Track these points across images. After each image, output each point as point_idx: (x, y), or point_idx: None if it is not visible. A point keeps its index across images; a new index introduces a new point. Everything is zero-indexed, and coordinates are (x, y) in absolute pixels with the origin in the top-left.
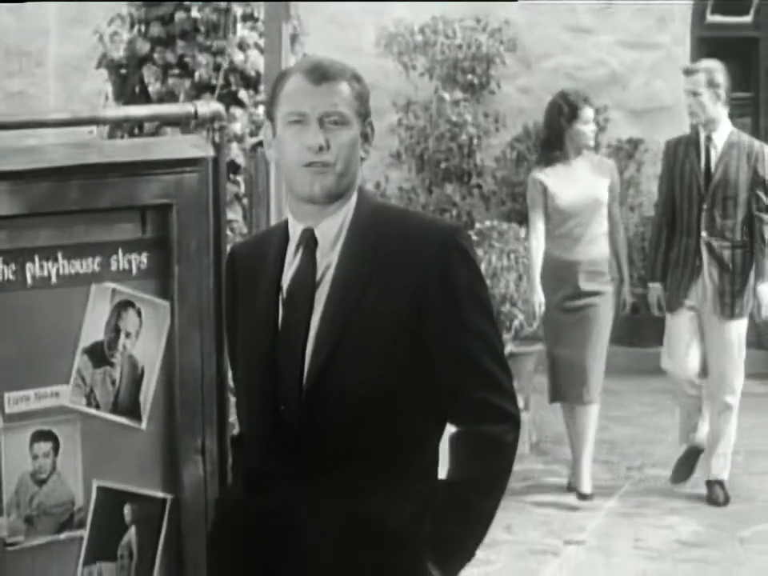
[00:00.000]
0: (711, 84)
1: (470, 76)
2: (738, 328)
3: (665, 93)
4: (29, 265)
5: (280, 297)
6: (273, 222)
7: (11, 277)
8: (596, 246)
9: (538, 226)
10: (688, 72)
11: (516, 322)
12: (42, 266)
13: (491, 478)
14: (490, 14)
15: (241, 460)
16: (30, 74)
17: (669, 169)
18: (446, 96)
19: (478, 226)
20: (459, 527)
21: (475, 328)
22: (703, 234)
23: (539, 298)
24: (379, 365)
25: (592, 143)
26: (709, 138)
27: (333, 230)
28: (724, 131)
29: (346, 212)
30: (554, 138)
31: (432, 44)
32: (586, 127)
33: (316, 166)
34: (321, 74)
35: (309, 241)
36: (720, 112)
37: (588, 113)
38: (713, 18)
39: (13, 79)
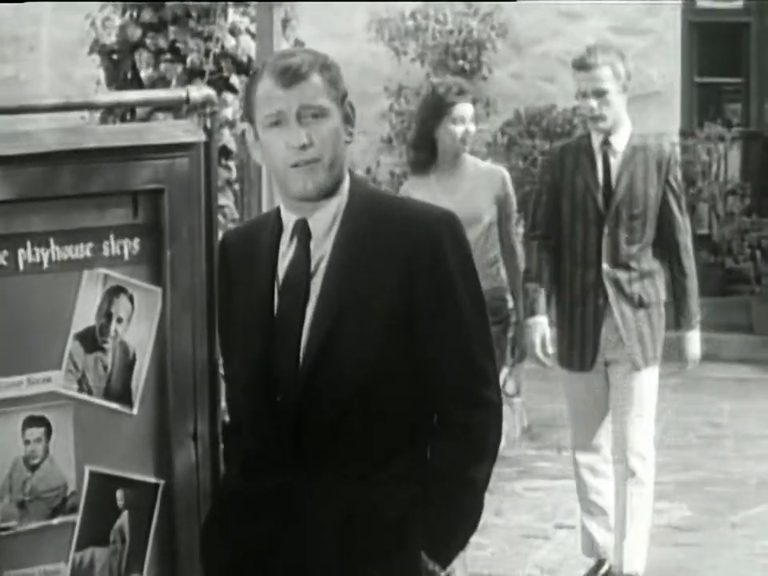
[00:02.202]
0: (617, 76)
1: (461, 61)
2: (651, 377)
3: (655, 78)
4: (21, 250)
5: (276, 286)
6: (265, 207)
7: (3, 263)
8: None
9: None
10: (584, 66)
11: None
12: (33, 252)
13: (474, 467)
14: (481, 0)
15: (234, 447)
16: (23, 59)
17: (554, 183)
18: (450, 78)
19: None
20: (449, 519)
21: (467, 316)
22: (605, 265)
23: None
24: (373, 352)
25: (466, 147)
26: (606, 143)
27: (326, 219)
28: (624, 133)
29: (339, 201)
30: (419, 140)
31: (423, 29)
32: (456, 127)
33: (303, 164)
34: (291, 76)
35: (302, 231)
36: (623, 107)
37: (461, 109)
38: (703, 3)
39: (5, 64)
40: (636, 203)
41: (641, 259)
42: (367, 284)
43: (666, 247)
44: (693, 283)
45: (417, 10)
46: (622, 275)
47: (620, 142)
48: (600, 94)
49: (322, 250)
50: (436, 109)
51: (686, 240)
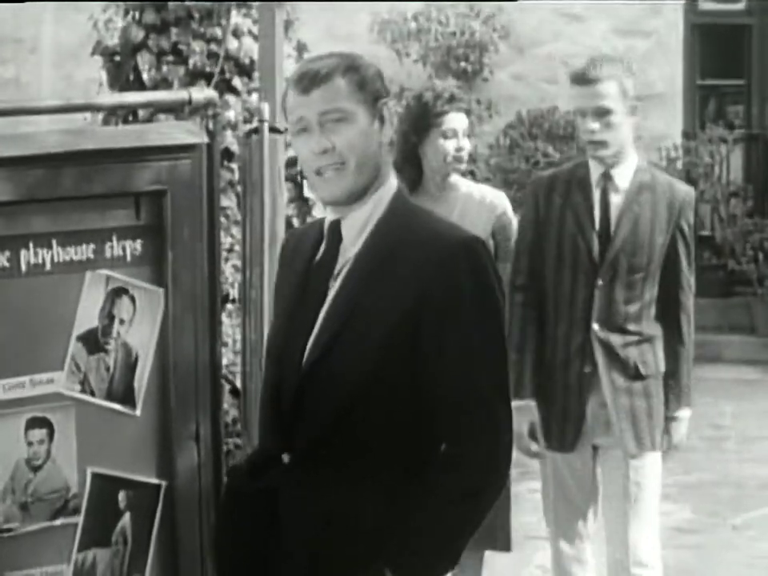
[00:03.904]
0: (624, 94)
1: (463, 63)
2: (654, 466)
3: (657, 80)
4: (23, 252)
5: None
6: (267, 209)
7: (6, 264)
8: None
9: None
10: (584, 79)
11: None
12: (36, 253)
13: (459, 505)
14: (483, 1)
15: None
16: (24, 60)
17: (537, 221)
18: (439, 83)
19: None
20: (421, 548)
21: (476, 352)
22: (595, 325)
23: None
24: (371, 365)
25: (460, 166)
26: (607, 177)
27: (357, 224)
28: (629, 166)
29: (373, 207)
30: (400, 159)
31: (425, 31)
32: (446, 142)
33: (327, 169)
34: (308, 82)
35: (333, 233)
36: (630, 135)
37: (453, 120)
38: (705, 5)
39: (7, 66)
40: (639, 253)
41: (640, 321)
42: (378, 298)
43: (663, 306)
44: (689, 354)
45: (419, 11)
46: (616, 339)
47: (624, 177)
48: (602, 113)
49: (349, 253)
50: (422, 120)
51: (688, 302)
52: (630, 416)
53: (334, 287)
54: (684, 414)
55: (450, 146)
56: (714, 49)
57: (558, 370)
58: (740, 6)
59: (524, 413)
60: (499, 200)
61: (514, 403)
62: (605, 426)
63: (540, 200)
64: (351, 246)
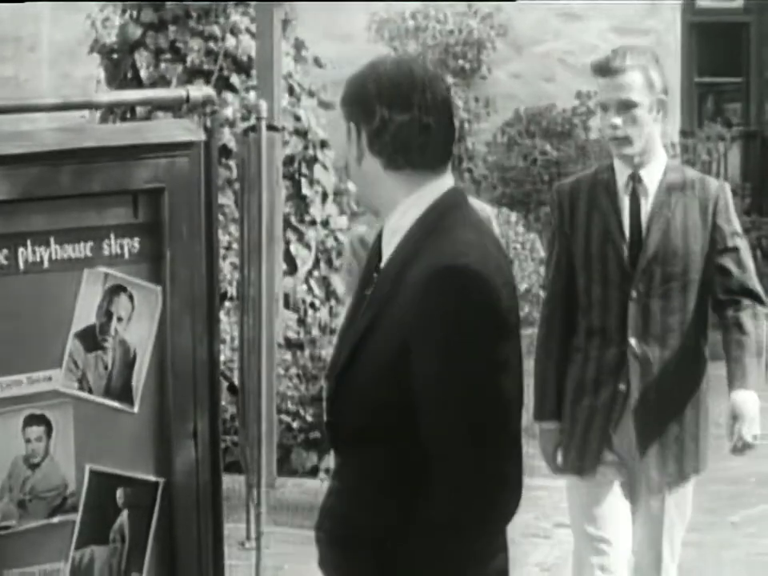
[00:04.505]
0: (650, 85)
1: (461, 61)
2: (687, 493)
3: None
4: (21, 250)
5: None
6: (264, 207)
7: (4, 262)
8: None
9: None
10: (607, 70)
11: None
12: (34, 251)
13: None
14: (481, 0)
15: None
16: (23, 59)
17: (562, 232)
18: None
19: None
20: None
21: (444, 382)
22: (632, 340)
23: None
24: (380, 375)
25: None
26: (635, 179)
27: (389, 231)
28: (658, 166)
29: (401, 215)
30: None
31: (423, 29)
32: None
33: None
34: None
35: (378, 239)
36: (657, 133)
37: None
38: (703, 3)
39: (5, 64)
40: (673, 260)
41: (681, 333)
42: (388, 317)
43: (722, 307)
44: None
45: (417, 10)
46: (655, 354)
47: (653, 178)
48: (626, 107)
49: (382, 264)
50: None
51: (756, 286)
52: (671, 438)
53: (367, 298)
54: (750, 395)
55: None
56: (712, 47)
57: (590, 390)
58: (737, 4)
59: (547, 436)
60: (484, 211)
61: (538, 425)
62: (643, 448)
63: (564, 209)
64: (387, 245)
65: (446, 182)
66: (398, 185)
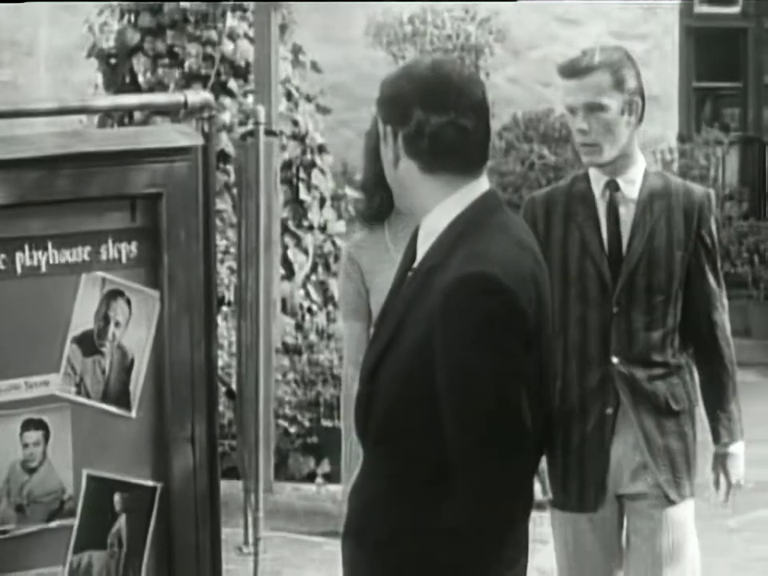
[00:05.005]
0: (620, 86)
1: None
2: (687, 515)
3: (653, 83)
4: (19, 254)
5: None
6: (262, 211)
7: (1, 266)
8: None
9: (353, 347)
10: (574, 71)
11: None
12: (32, 256)
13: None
14: (478, 4)
15: None
16: (21, 63)
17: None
18: None
19: None
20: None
21: (456, 390)
22: (615, 359)
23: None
24: (405, 377)
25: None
26: (612, 186)
27: (422, 234)
28: (636, 173)
29: (437, 218)
30: (367, 180)
31: (421, 34)
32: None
33: None
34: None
35: (413, 240)
36: (633, 137)
37: None
38: (701, 9)
39: (3, 69)
40: (657, 271)
41: (666, 350)
42: (417, 312)
43: (693, 330)
44: (734, 380)
45: (415, 14)
46: (641, 372)
47: (632, 185)
48: (593, 110)
49: (414, 264)
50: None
51: (723, 322)
52: (668, 458)
53: (399, 297)
54: (739, 448)
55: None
56: (710, 52)
57: (572, 417)
58: (735, 9)
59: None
60: None
61: None
62: (633, 473)
63: (538, 224)
64: (422, 244)
65: (481, 185)
66: (434, 188)
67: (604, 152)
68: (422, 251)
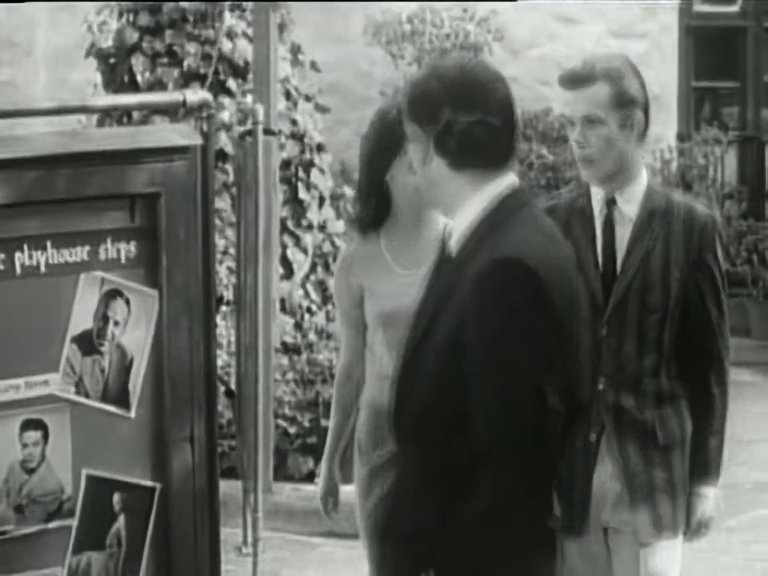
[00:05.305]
0: (620, 99)
1: None
2: (674, 554)
3: (653, 82)
4: (18, 254)
5: None
6: (261, 211)
7: (0, 266)
8: None
9: (347, 353)
10: (573, 81)
11: None
12: (31, 255)
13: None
14: (477, 4)
15: None
16: (19, 63)
17: None
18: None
19: None
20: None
21: (490, 373)
22: (602, 385)
23: (328, 482)
24: (442, 366)
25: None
26: (610, 203)
27: (455, 228)
28: (637, 190)
29: (465, 215)
30: (363, 188)
31: (420, 33)
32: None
33: None
34: None
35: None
36: (635, 153)
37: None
38: (700, 8)
39: (2, 69)
40: (651, 294)
41: (659, 377)
42: (451, 302)
43: (687, 360)
44: (722, 422)
45: (413, 14)
46: (629, 400)
47: (631, 203)
48: (590, 122)
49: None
50: (386, 143)
51: (719, 354)
52: (648, 494)
53: (434, 289)
54: (709, 491)
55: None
56: (709, 51)
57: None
58: (734, 8)
59: None
60: None
61: None
62: (615, 505)
63: None
64: (451, 250)
65: (509, 180)
66: (464, 184)
67: (600, 167)
68: (452, 245)
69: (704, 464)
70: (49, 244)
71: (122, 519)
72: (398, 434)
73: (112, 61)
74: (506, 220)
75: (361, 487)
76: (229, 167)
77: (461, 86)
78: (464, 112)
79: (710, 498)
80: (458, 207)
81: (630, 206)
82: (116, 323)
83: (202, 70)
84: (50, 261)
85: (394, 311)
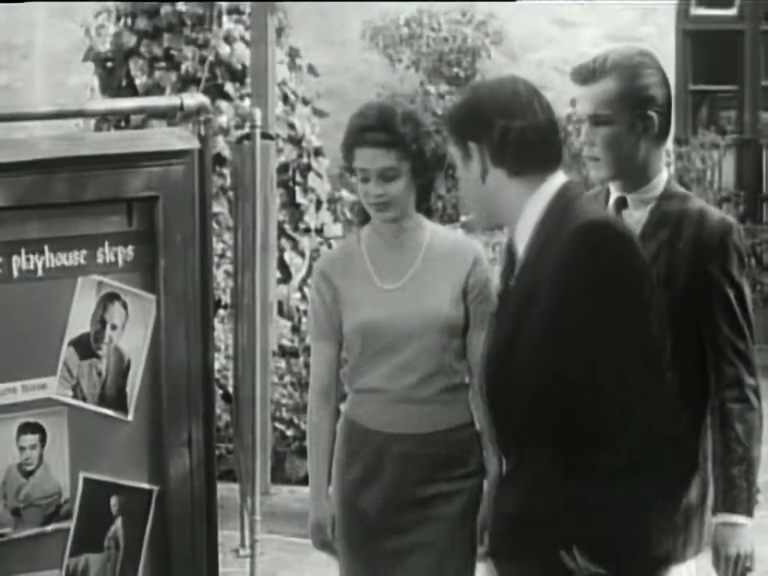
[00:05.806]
0: (633, 97)
1: (455, 69)
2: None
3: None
4: (15, 258)
5: None
6: (258, 215)
7: None
8: (446, 411)
9: (322, 372)
10: (582, 76)
11: None
12: (28, 259)
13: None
14: (475, 7)
15: None
16: (17, 67)
17: None
18: (432, 89)
19: (462, 218)
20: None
21: (586, 332)
22: None
23: (322, 513)
24: (540, 368)
25: (387, 214)
26: (621, 204)
27: (519, 229)
28: (651, 193)
29: (529, 213)
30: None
31: (417, 37)
32: (361, 185)
33: None
34: None
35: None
36: (650, 155)
37: (362, 157)
38: (697, 11)
39: None
40: None
41: None
42: (533, 300)
43: (699, 382)
44: (759, 449)
45: (411, 17)
46: None
47: (643, 207)
48: (598, 122)
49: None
50: (344, 151)
51: (741, 377)
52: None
53: (511, 289)
54: (747, 522)
55: (361, 189)
56: (706, 54)
57: None
58: (732, 11)
59: None
60: (471, 248)
61: None
62: None
63: None
64: (520, 250)
65: (560, 177)
66: (522, 189)
67: (607, 168)
68: (522, 247)
69: (721, 493)
70: (46, 248)
71: (119, 522)
72: (507, 440)
73: (110, 64)
74: (568, 209)
75: (340, 499)
76: (226, 171)
77: (505, 96)
78: (515, 119)
79: (749, 531)
80: (518, 213)
81: (639, 211)
82: (113, 327)
83: (199, 74)
84: (48, 264)
85: (375, 322)
